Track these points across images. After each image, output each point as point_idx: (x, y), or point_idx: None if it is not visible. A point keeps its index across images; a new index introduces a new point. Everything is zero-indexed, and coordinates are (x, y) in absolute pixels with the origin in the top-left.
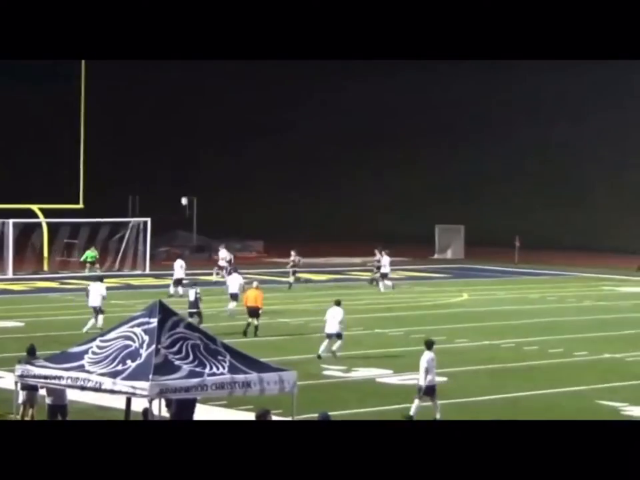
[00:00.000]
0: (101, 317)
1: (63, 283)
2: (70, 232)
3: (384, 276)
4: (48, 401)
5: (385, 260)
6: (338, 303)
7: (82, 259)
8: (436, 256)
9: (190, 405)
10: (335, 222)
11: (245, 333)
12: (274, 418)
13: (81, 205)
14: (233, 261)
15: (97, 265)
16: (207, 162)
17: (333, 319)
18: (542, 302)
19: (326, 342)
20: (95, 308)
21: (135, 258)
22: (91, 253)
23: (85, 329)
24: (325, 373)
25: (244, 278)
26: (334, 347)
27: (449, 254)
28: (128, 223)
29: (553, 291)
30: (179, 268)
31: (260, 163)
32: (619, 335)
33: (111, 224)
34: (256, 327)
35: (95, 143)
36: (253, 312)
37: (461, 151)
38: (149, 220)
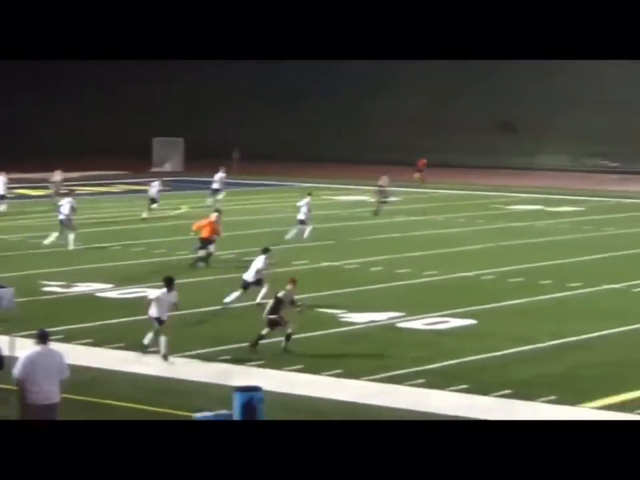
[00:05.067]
0: None
1: None
2: None
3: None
4: None
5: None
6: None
7: None
8: (154, 169)
9: None
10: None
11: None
12: None
13: None
14: None
15: None
16: None
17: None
18: (263, 212)
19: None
20: None
21: None
22: None
23: None
24: (45, 289)
25: None
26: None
27: (167, 167)
28: None
29: (273, 201)
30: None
31: None
32: (335, 244)
33: None
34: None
35: None
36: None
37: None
38: None
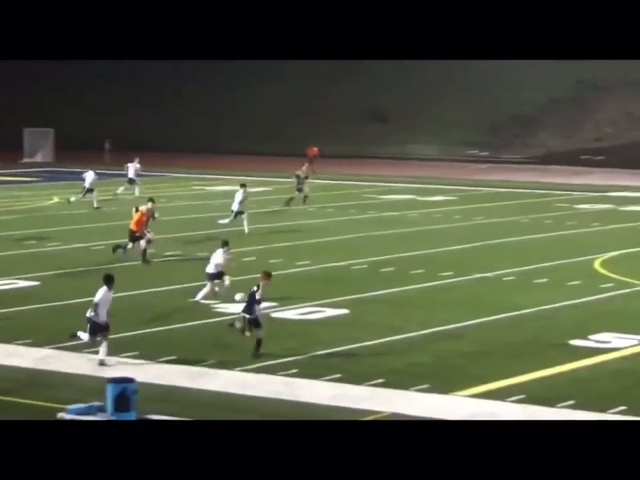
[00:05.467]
0: None
1: None
2: None
3: None
4: None
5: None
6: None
7: None
8: (25, 160)
9: None
10: None
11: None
12: None
13: None
14: None
15: None
16: None
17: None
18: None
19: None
20: None
21: None
22: None
23: None
24: None
25: None
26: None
27: (38, 157)
28: None
29: (147, 192)
30: None
31: None
32: (206, 235)
33: None
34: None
35: None
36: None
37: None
38: None
